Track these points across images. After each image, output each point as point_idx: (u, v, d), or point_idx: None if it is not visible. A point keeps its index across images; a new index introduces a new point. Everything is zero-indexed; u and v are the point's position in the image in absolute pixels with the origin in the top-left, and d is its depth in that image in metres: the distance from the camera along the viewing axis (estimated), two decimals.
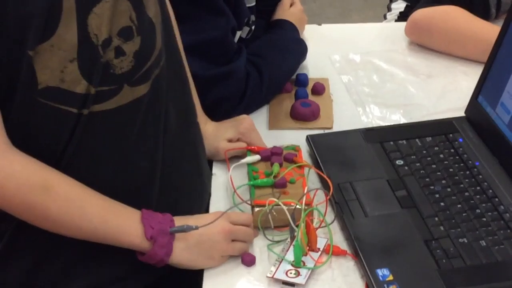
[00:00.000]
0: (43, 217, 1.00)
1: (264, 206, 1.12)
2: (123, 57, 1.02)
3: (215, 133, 1.30)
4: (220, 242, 1.08)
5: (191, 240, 1.07)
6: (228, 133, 1.30)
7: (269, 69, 1.41)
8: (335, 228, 1.16)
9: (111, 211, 1.04)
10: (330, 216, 1.15)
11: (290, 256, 1.08)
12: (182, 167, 1.17)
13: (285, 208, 1.10)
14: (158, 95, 1.09)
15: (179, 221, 1.07)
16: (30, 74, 0.96)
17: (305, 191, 1.14)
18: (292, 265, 1.07)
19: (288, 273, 1.06)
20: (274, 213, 1.12)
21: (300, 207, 1.09)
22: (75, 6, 0.96)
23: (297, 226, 1.09)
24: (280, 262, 1.07)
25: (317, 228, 1.10)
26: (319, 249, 1.09)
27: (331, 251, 1.09)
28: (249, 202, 1.17)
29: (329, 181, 1.19)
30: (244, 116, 1.34)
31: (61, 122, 1.00)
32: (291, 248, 1.09)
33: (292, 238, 1.10)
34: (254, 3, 1.49)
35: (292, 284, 1.05)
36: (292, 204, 1.11)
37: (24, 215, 1.01)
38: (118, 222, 1.03)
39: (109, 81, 1.02)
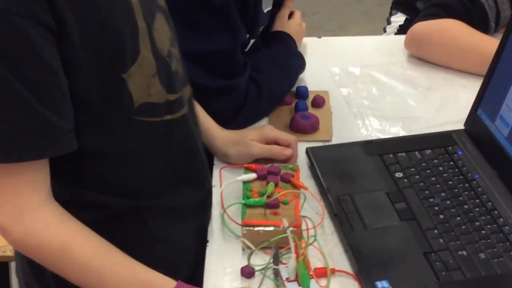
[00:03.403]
0: (60, 274, 1.02)
1: (253, 226, 1.12)
2: (179, 63, 1.13)
3: (239, 138, 1.31)
4: None
5: None
6: (252, 134, 1.31)
7: (267, 84, 1.41)
8: (334, 240, 1.16)
9: (134, 283, 1.01)
10: (327, 238, 1.15)
11: (290, 285, 1.06)
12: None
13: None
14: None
15: None
16: (127, 96, 1.02)
17: (299, 214, 1.14)
18: None
19: None
20: (262, 234, 1.11)
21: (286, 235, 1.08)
22: (145, 25, 1.03)
23: (286, 250, 1.08)
24: None
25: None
26: (312, 275, 1.07)
27: (329, 273, 1.07)
28: (238, 221, 1.16)
29: (322, 208, 1.20)
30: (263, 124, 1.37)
31: (150, 132, 1.07)
32: (287, 280, 1.07)
33: (277, 271, 1.07)
34: (270, 7, 1.48)
35: None
36: (281, 225, 1.11)
37: (46, 267, 1.03)
38: None
39: (179, 87, 1.12)
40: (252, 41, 1.44)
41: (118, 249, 1.02)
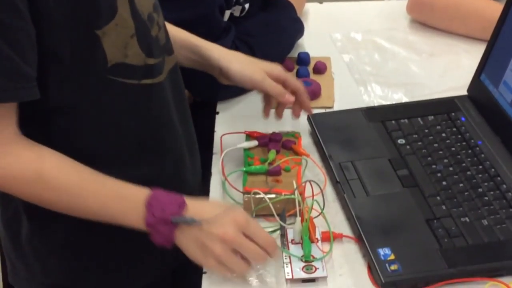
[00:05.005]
0: (40, 204, 1.02)
1: (254, 193, 1.11)
2: (161, 30, 1.11)
3: (247, 58, 1.25)
4: (216, 247, 0.98)
5: (192, 231, 0.99)
6: (263, 64, 1.23)
7: (262, 47, 1.40)
8: (336, 207, 1.15)
9: (112, 196, 1.01)
10: (329, 205, 1.16)
11: (294, 251, 1.06)
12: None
13: (268, 199, 1.08)
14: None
15: (194, 205, 1.01)
16: (101, 54, 1.01)
17: (301, 181, 1.13)
18: (301, 260, 1.04)
19: (304, 269, 1.03)
20: (263, 201, 1.09)
21: (292, 198, 1.07)
22: None
23: (288, 217, 1.08)
24: (290, 261, 1.04)
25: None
26: (317, 239, 1.08)
27: (332, 239, 1.07)
28: (239, 189, 1.16)
29: (324, 175, 1.20)
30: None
31: (126, 94, 1.06)
32: (291, 242, 1.07)
33: (283, 231, 1.08)
34: None
35: (313, 280, 1.03)
36: (283, 192, 1.10)
37: (23, 198, 1.03)
38: (119, 207, 1.01)
39: (159, 53, 1.10)
40: (228, 11, 1.42)
41: (89, 168, 1.01)
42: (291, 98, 1.21)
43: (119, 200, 1.01)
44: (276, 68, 1.23)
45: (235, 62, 1.22)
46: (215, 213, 0.99)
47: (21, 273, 1.17)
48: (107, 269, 1.16)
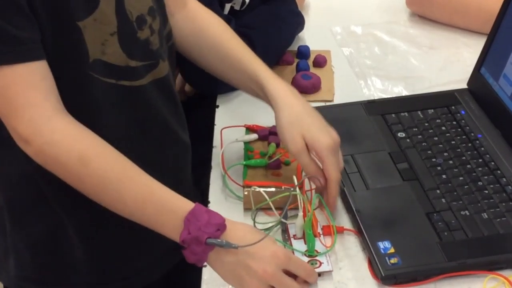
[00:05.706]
0: (78, 188, 0.99)
1: (254, 187, 1.10)
2: (154, 35, 1.08)
3: (296, 118, 1.10)
4: (254, 282, 0.96)
5: (228, 258, 0.97)
6: (310, 130, 1.09)
7: (262, 41, 1.39)
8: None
9: (153, 201, 0.98)
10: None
11: (296, 246, 1.06)
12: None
13: (265, 194, 1.08)
14: (173, 68, 1.16)
15: (233, 228, 0.97)
16: (83, 47, 0.99)
17: (302, 176, 1.13)
18: (305, 255, 1.04)
19: (309, 264, 1.03)
20: (263, 195, 1.09)
21: (293, 193, 1.06)
22: None
23: (287, 210, 1.07)
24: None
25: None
26: (319, 233, 1.08)
27: (335, 232, 1.07)
28: (239, 182, 1.16)
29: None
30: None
31: (109, 93, 1.04)
32: (293, 237, 1.07)
33: (284, 226, 1.08)
34: None
35: (318, 274, 1.02)
36: (283, 186, 1.11)
37: (65, 180, 0.99)
38: (157, 214, 0.98)
39: (147, 57, 1.07)
40: (228, 5, 1.42)
41: (134, 164, 0.99)
42: (319, 183, 1.09)
43: (159, 207, 0.98)
44: (319, 141, 1.08)
45: (284, 117, 1.11)
46: (254, 240, 0.96)
47: (4, 265, 1.17)
48: (90, 267, 1.14)
